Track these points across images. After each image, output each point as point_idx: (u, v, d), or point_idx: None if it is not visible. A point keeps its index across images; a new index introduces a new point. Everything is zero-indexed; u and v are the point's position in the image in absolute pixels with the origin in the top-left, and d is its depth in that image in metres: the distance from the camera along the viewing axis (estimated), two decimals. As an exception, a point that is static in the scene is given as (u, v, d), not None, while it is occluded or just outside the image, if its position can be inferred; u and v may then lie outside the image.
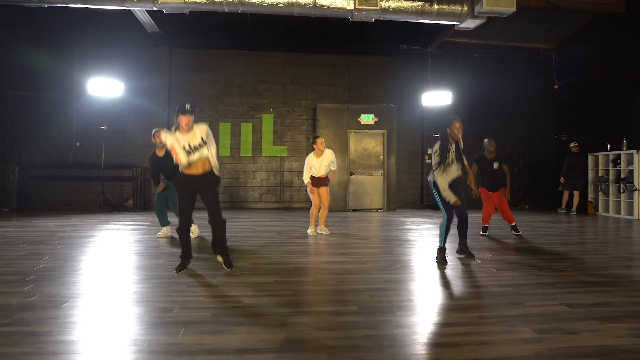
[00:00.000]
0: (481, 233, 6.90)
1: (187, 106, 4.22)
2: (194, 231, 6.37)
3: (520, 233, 6.94)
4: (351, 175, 11.47)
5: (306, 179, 6.84)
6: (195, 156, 4.22)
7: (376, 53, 12.19)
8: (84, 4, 7.04)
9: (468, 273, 4.24)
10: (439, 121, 11.96)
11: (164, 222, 6.45)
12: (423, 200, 12.20)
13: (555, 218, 9.55)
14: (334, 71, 12.22)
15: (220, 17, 10.53)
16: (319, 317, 2.91)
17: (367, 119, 11.52)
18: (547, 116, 12.80)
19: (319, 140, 6.87)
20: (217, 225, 4.36)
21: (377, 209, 11.48)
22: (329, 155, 6.89)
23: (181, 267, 4.24)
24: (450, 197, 4.54)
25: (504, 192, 6.87)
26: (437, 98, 11.19)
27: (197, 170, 4.28)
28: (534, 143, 12.73)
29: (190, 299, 3.30)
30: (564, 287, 3.66)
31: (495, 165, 6.90)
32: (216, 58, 11.81)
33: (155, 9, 7.18)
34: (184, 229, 4.27)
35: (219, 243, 4.44)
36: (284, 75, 12.08)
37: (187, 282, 3.81)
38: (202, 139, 4.24)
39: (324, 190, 6.91)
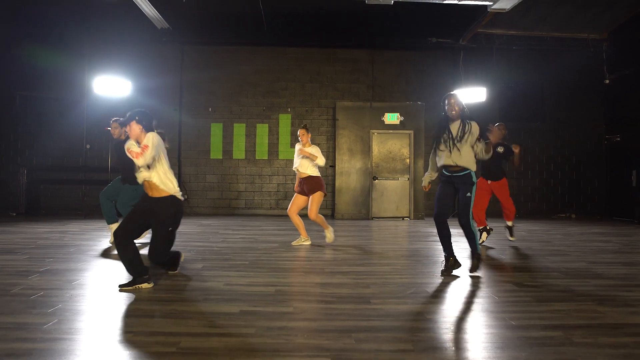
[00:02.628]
0: (480, 242, 5.82)
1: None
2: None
3: (514, 239, 6.12)
4: (374, 179, 10.49)
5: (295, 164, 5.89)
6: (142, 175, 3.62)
7: (402, 47, 11.19)
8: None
9: (497, 303, 3.22)
10: (472, 119, 10.91)
11: (110, 218, 5.98)
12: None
13: (609, 230, 8.23)
14: (357, 67, 11.30)
15: (233, 10, 9.89)
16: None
17: (391, 118, 10.52)
18: (596, 114, 11.38)
19: (300, 131, 5.86)
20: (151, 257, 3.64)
21: (403, 217, 10.44)
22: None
23: (129, 284, 3.51)
24: (424, 180, 4.43)
25: (514, 158, 5.94)
26: (470, 95, 10.05)
27: (149, 191, 3.66)
28: (580, 145, 11.33)
29: (114, 335, 2.47)
30: (638, 335, 2.59)
31: (501, 149, 5.93)
32: (230, 55, 11.13)
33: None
34: (119, 243, 3.50)
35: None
36: (302, 72, 11.27)
37: (124, 306, 3.00)
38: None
39: (314, 198, 5.78)
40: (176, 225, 3.71)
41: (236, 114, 11.16)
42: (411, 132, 10.51)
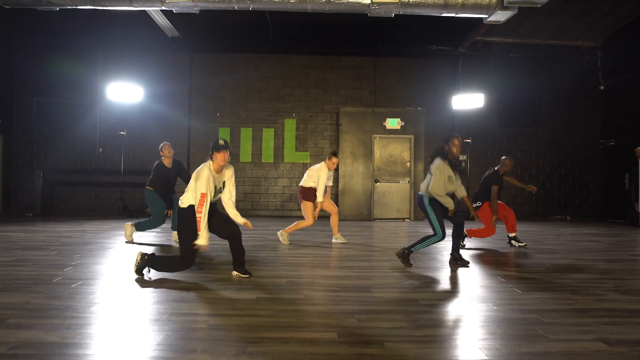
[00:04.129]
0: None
1: (221, 142, 3.95)
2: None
3: (525, 244, 6.25)
4: (376, 182, 10.91)
5: (321, 196, 6.20)
6: (217, 197, 4.07)
7: (403, 54, 11.62)
8: (93, 6, 6.90)
9: (484, 292, 3.62)
10: (470, 125, 11.35)
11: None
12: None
13: (600, 231, 8.61)
14: (359, 74, 11.73)
15: (241, 19, 10.33)
16: (286, 346, 2.41)
17: (392, 123, 10.94)
18: (591, 120, 11.77)
19: (336, 160, 6.33)
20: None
21: (403, 219, 10.84)
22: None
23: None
24: (450, 204, 4.63)
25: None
26: (468, 101, 10.48)
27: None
28: (576, 149, 11.72)
29: (151, 315, 2.88)
30: (602, 317, 2.99)
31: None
32: (237, 62, 11.58)
33: (164, 8, 6.95)
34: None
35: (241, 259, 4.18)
36: (307, 78, 11.70)
37: (154, 294, 3.41)
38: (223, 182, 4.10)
39: (327, 198, 6.46)
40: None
41: (243, 119, 11.59)
42: (411, 136, 10.92)
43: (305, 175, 6.44)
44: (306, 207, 6.29)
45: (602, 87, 11.27)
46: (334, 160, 6.31)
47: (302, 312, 3.04)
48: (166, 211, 6.17)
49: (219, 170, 4.01)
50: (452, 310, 3.20)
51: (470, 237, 6.30)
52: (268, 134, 11.63)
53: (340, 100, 11.62)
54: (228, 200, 4.16)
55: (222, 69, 11.55)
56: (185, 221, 3.88)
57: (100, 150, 11.40)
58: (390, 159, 10.98)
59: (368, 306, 3.20)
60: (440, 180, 4.58)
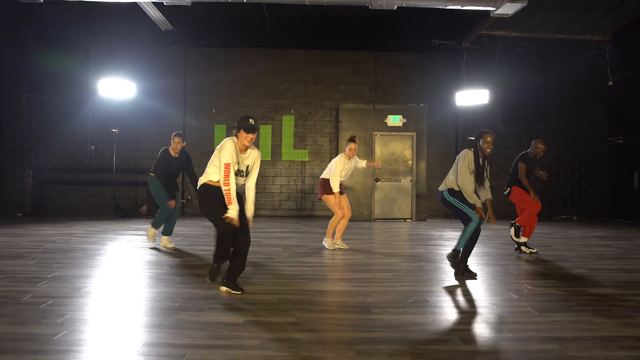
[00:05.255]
0: (530, 250, 5.92)
1: (251, 121, 3.65)
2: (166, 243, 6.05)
3: (536, 251, 5.91)
4: (377, 181, 10.56)
5: (336, 186, 5.98)
6: (240, 181, 3.80)
7: (405, 49, 11.23)
8: (78, -3, 6.53)
9: (497, 313, 3.29)
10: (474, 122, 10.95)
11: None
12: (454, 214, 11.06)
13: (610, 233, 8.27)
14: (360, 69, 11.34)
15: (237, 12, 9.93)
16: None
17: (394, 120, 10.57)
18: (598, 116, 11.39)
19: (353, 145, 6.06)
20: (243, 255, 3.84)
21: (405, 219, 10.50)
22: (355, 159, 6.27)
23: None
24: (476, 202, 4.32)
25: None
26: (472, 97, 10.12)
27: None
28: (583, 147, 11.35)
29: (122, 345, 2.55)
30: (632, 349, 2.65)
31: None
32: (233, 57, 11.20)
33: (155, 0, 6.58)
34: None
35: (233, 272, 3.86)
36: (306, 74, 11.32)
37: (130, 316, 3.08)
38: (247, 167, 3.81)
39: (345, 198, 6.21)
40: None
41: (240, 115, 11.03)
42: (414, 134, 10.55)
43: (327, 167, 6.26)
44: (328, 201, 6.01)
45: (610, 83, 10.86)
46: (352, 146, 6.03)
47: (293, 342, 2.70)
48: (169, 202, 5.92)
49: (243, 150, 3.73)
50: (463, 338, 2.85)
51: (521, 226, 5.89)
52: (265, 131, 11.26)
53: (340, 96, 11.25)
54: (253, 186, 3.89)
55: (217, 63, 11.17)
56: (206, 199, 3.74)
57: (93, 147, 11.05)
58: (392, 157, 10.63)
59: (368, 333, 2.86)
60: (466, 171, 4.31)
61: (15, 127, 10.95)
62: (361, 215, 10.48)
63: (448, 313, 3.33)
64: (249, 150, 3.78)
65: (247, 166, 3.82)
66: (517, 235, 5.89)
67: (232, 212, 3.58)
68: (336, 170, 5.94)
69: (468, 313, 3.36)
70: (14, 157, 10.98)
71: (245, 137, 3.63)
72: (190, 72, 11.13)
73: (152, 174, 6.03)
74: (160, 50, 10.93)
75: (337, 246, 6.14)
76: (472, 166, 4.37)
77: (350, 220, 10.59)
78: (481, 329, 3.00)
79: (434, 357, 2.50)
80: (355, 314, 3.26)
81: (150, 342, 2.66)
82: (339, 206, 5.97)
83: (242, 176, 3.81)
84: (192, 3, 6.95)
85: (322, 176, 6.15)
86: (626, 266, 5.15)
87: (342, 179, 6.08)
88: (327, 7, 9.25)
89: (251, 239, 3.86)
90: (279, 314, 3.21)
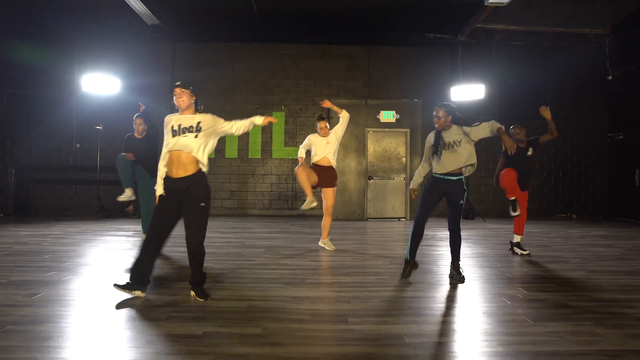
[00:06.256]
0: (521, 252, 5.57)
1: (177, 83, 3.43)
2: None
3: (528, 252, 5.52)
4: (369, 179, 10.24)
5: (301, 152, 5.75)
6: (177, 142, 3.32)
7: (399, 43, 10.89)
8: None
9: (487, 323, 2.97)
10: (470, 117, 10.59)
11: (127, 183, 6.02)
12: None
13: (611, 232, 7.94)
14: (352, 64, 11.01)
15: (225, 6, 9.58)
16: None
17: (387, 116, 10.26)
18: (598, 112, 11.07)
19: (322, 124, 5.72)
20: (193, 257, 3.40)
21: (399, 218, 10.18)
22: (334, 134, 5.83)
23: (127, 287, 3.44)
24: (413, 183, 4.37)
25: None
26: (468, 92, 9.78)
27: (176, 170, 3.36)
28: (582, 143, 11.02)
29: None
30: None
31: (530, 152, 5.69)
32: (222, 52, 10.86)
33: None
34: (146, 246, 3.41)
35: (194, 276, 3.47)
36: (297, 69, 10.98)
37: (83, 328, 2.75)
38: (197, 125, 3.35)
39: (329, 192, 5.69)
40: (208, 201, 3.44)
41: (229, 113, 10.84)
42: (407, 130, 10.24)
43: None
44: (298, 176, 5.56)
45: (610, 78, 10.51)
46: (320, 125, 5.74)
47: (253, 358, 2.37)
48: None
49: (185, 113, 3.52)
50: (447, 352, 2.53)
51: (513, 198, 5.51)
52: (255, 128, 10.85)
53: (332, 92, 10.91)
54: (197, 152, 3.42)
55: (206, 59, 10.84)
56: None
57: (78, 146, 10.71)
58: (385, 154, 10.30)
59: (340, 346, 2.53)
60: (424, 158, 4.40)
61: (-3, 124, 10.62)
62: (353, 215, 10.17)
63: (432, 322, 3.00)
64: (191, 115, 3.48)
65: (191, 126, 3.39)
66: (514, 209, 5.48)
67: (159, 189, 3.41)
68: (304, 143, 5.84)
69: (454, 323, 3.03)
70: (-4, 156, 10.64)
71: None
72: (178, 68, 10.80)
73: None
74: (146, 45, 10.60)
75: (322, 246, 5.84)
76: (431, 145, 4.20)
77: (342, 220, 10.35)
78: (468, 341, 2.68)
79: (410, 376, 2.18)
80: (330, 323, 2.94)
81: (83, 357, 2.33)
82: (311, 190, 5.52)
83: (192, 132, 3.37)
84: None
85: (334, 166, 5.79)
86: (629, 268, 4.82)
87: (318, 158, 5.69)
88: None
89: (235, 240, 3.53)
90: (243, 325, 2.88)
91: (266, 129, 10.90)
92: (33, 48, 10.34)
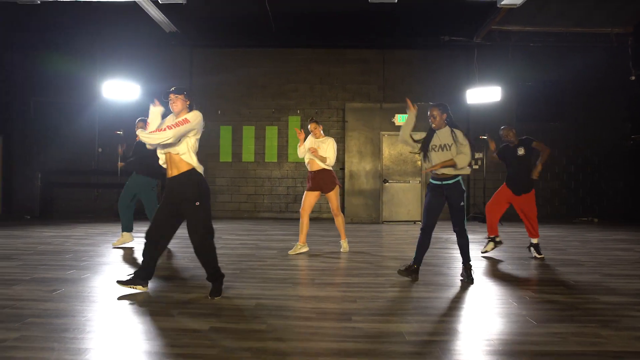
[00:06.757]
0: (483, 251, 5.62)
1: (172, 89, 3.62)
2: None
3: (542, 256, 5.39)
4: (385, 182, 10.25)
5: (299, 152, 5.74)
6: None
7: (414, 46, 10.90)
8: (73, -3, 6.46)
9: (488, 321, 2.98)
10: (486, 120, 10.53)
11: (125, 226, 5.92)
12: (469, 212, 10.67)
13: (632, 236, 7.76)
14: (367, 68, 11.07)
15: (241, 12, 9.77)
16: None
17: (402, 119, 10.24)
18: (620, 113, 10.84)
19: (311, 126, 5.72)
20: (197, 254, 3.54)
21: (414, 221, 10.16)
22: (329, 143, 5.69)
23: (129, 282, 3.61)
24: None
25: (534, 173, 5.35)
26: (484, 94, 9.72)
27: (171, 170, 3.53)
28: (603, 145, 10.80)
29: (69, 351, 2.35)
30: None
31: (521, 151, 5.43)
32: (238, 57, 11.06)
33: (147, -2, 6.46)
34: (147, 245, 3.59)
35: (206, 272, 3.61)
36: (312, 73, 11.10)
37: (98, 321, 2.88)
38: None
39: (331, 196, 5.63)
40: (202, 198, 3.49)
41: (245, 117, 11.07)
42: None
43: None
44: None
45: (632, 78, 10.31)
46: (310, 127, 5.72)
47: (255, 352, 2.45)
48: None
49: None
50: (445, 351, 2.56)
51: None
52: (271, 132, 11.08)
53: (347, 96, 10.99)
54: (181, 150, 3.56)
55: (223, 64, 11.05)
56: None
57: (100, 150, 11.04)
58: (400, 157, 10.31)
59: (340, 343, 2.59)
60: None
61: (25, 130, 11.04)
62: (369, 218, 10.20)
63: (435, 322, 3.03)
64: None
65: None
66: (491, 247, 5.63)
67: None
68: (304, 145, 5.74)
69: (457, 323, 3.05)
70: (24, 161, 11.06)
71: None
72: (195, 73, 11.05)
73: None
74: (165, 51, 10.87)
75: (299, 251, 5.70)
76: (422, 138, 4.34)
77: (358, 222, 10.37)
78: (468, 341, 2.70)
79: (407, 372, 2.22)
80: (334, 321, 3.00)
81: (98, 347, 2.45)
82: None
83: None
84: (188, 1, 6.80)
85: (327, 167, 5.66)
86: (645, 271, 4.74)
87: (307, 161, 5.68)
88: (329, 3, 9.10)
89: (249, 242, 3.64)
90: (249, 321, 2.97)
91: (282, 133, 11.04)
92: (57, 57, 10.74)
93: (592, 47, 10.50)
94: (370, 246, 6.48)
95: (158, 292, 3.73)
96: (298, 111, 11.02)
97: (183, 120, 3.43)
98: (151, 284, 3.85)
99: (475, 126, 10.62)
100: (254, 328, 2.83)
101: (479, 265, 4.95)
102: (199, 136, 3.60)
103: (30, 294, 3.59)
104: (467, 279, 4.12)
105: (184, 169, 3.50)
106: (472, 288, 3.96)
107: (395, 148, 10.29)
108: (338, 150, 10.92)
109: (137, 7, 8.58)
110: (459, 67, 10.89)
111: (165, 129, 3.40)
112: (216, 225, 3.88)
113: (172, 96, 3.58)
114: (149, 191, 5.95)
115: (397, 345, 2.57)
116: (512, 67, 10.50)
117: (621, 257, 5.67)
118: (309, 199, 5.64)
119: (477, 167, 10.51)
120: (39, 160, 11.02)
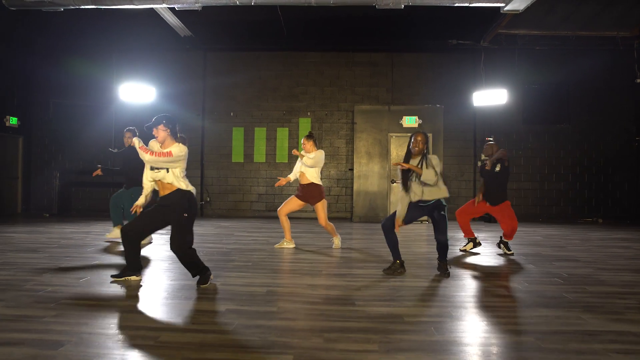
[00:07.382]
0: (462, 249, 5.90)
1: (153, 119, 3.88)
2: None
3: (512, 252, 5.65)
4: (393, 183, 10.49)
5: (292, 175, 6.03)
6: (156, 175, 3.78)
7: (422, 49, 11.15)
8: (95, 5, 6.83)
9: (481, 310, 3.23)
10: (493, 122, 10.76)
11: (116, 222, 6.45)
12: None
13: (634, 235, 7.93)
14: (376, 71, 11.33)
15: (253, 17, 10.11)
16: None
17: (409, 121, 10.50)
18: (625, 115, 10.97)
19: (303, 140, 6.02)
20: (181, 260, 3.77)
21: (421, 221, 10.37)
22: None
23: (120, 276, 3.90)
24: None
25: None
26: (490, 97, 9.91)
27: (162, 191, 3.81)
28: (608, 147, 10.94)
29: (100, 327, 2.66)
30: (613, 342, 2.56)
31: (498, 168, 5.75)
32: (250, 60, 11.40)
33: (165, 5, 6.82)
34: (127, 241, 3.82)
35: (190, 273, 3.85)
36: (322, 76, 11.39)
37: (123, 302, 3.20)
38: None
39: (317, 208, 5.86)
40: (190, 211, 3.72)
41: (257, 118, 11.39)
42: (430, 135, 10.41)
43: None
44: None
45: (638, 81, 10.43)
46: (302, 142, 6.03)
47: (266, 328, 2.74)
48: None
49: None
50: (438, 329, 2.82)
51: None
52: (282, 134, 11.39)
53: (356, 98, 11.26)
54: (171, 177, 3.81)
55: (235, 67, 11.39)
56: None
57: (116, 150, 11.41)
58: (407, 158, 10.53)
59: (344, 322, 2.87)
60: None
61: (44, 132, 11.48)
62: (377, 217, 10.43)
63: (432, 306, 3.30)
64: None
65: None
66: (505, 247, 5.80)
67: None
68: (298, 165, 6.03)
69: (451, 307, 3.30)
70: (43, 161, 11.50)
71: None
72: (209, 76, 11.40)
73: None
74: (179, 55, 11.24)
75: (284, 245, 6.01)
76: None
77: (366, 221, 10.63)
78: (458, 320, 2.96)
79: (401, 345, 2.49)
80: (338, 305, 3.27)
81: (127, 326, 2.76)
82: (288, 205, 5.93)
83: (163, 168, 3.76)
84: (203, 7, 7.13)
85: (315, 182, 5.87)
86: (638, 267, 4.94)
87: (297, 174, 5.97)
88: (341, 9, 9.36)
89: (260, 238, 3.92)
90: (262, 304, 3.26)
91: (293, 135, 11.34)
92: (76, 60, 11.17)
93: (598, 51, 10.65)
94: (376, 242, 6.74)
95: (176, 279, 4.04)
96: (308, 113, 11.32)
97: (167, 152, 3.69)
98: (169, 273, 4.16)
99: (482, 128, 10.83)
100: (266, 310, 3.12)
101: (480, 260, 5.19)
102: (184, 166, 3.83)
103: (60, 281, 3.92)
104: (444, 273, 4.34)
105: (174, 188, 3.74)
106: (469, 280, 4.20)
107: (403, 149, 10.52)
108: (347, 151, 11.27)
109: (153, 13, 8.95)
110: (466, 70, 11.11)
111: (148, 152, 3.71)
112: (227, 224, 4.18)
113: (153, 130, 3.83)
114: (135, 199, 6.24)
115: (395, 324, 2.85)
116: (519, 70, 10.69)
117: (618, 253, 5.86)
118: (292, 203, 5.94)
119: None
120: (58, 160, 11.46)
